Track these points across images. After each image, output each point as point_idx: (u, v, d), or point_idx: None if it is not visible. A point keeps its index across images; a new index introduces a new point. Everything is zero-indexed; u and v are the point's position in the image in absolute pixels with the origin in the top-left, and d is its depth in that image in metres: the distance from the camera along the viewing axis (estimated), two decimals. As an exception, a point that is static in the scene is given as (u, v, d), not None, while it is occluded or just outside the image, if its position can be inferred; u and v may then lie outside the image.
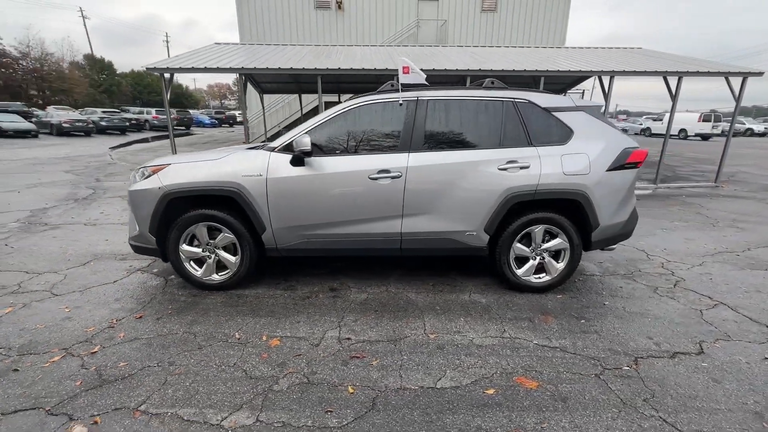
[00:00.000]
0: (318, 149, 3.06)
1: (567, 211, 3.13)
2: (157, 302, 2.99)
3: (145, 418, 1.82)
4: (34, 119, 21.65)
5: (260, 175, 2.97)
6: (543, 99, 3.18)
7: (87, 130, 21.28)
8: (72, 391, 1.98)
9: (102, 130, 22.90)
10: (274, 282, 3.40)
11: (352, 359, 2.30)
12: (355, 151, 3.10)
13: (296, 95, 15.70)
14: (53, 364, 2.20)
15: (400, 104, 3.11)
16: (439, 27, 16.28)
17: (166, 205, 3.00)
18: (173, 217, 3.06)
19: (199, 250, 3.14)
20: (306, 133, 3.03)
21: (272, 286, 3.31)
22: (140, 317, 2.75)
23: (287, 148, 3.03)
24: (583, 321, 2.80)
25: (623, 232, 3.27)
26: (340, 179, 2.99)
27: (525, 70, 7.98)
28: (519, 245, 3.16)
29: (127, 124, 24.40)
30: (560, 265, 3.20)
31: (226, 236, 3.10)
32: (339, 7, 16.14)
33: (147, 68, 7.45)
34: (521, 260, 3.23)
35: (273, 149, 3.06)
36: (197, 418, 1.82)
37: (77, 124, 20.79)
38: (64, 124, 20.28)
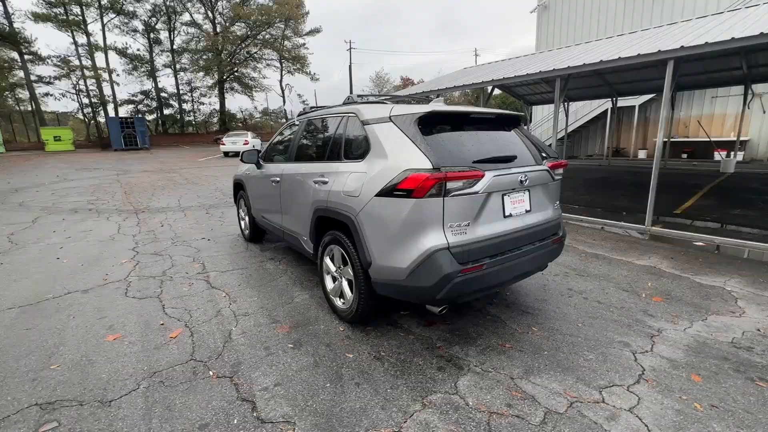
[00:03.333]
0: (273, 157, 4.43)
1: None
2: (224, 239, 5.55)
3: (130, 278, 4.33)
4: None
5: (249, 173, 4.79)
6: (366, 111, 2.87)
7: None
8: (135, 252, 4.86)
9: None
10: (268, 248, 5.10)
11: (161, 283, 3.79)
12: (273, 161, 4.21)
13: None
14: (162, 241, 5.22)
15: (296, 124, 3.87)
16: None
17: (234, 186, 5.46)
18: (237, 193, 5.49)
19: (242, 213, 5.40)
20: (256, 146, 4.48)
21: (263, 248, 5.03)
22: (206, 239, 5.42)
23: (259, 155, 4.63)
24: (291, 345, 2.64)
25: (411, 287, 2.36)
26: (263, 180, 4.26)
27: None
28: (328, 261, 3.11)
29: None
30: (350, 295, 2.84)
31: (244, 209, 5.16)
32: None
33: (409, 96, 10.42)
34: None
35: (260, 156, 4.75)
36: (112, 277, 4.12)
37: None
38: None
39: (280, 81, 42.09)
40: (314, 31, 38.77)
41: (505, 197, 2.56)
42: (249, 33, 35.86)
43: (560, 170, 3.04)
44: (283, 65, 40.42)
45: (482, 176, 2.37)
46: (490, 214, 2.48)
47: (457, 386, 2.22)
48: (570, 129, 16.22)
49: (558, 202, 3.08)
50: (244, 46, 36.76)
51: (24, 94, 30.33)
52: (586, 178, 10.97)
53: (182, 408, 2.05)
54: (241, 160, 4.50)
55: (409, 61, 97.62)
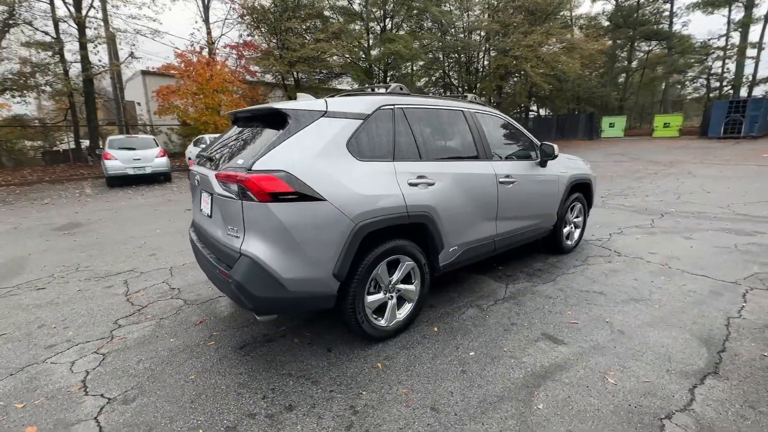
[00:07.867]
0: None
1: None
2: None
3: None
4: None
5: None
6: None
7: None
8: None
9: None
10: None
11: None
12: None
13: None
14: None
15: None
16: None
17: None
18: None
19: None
20: None
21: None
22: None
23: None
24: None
25: None
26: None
27: None
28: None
29: None
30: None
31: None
32: None
33: None
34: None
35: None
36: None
37: None
38: None
39: None
40: None
41: (203, 192, 2.59)
42: None
43: (244, 187, 1.99)
44: None
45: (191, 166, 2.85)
46: (200, 202, 2.70)
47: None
48: None
49: (236, 229, 2.10)
50: None
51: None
52: None
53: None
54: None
55: None
